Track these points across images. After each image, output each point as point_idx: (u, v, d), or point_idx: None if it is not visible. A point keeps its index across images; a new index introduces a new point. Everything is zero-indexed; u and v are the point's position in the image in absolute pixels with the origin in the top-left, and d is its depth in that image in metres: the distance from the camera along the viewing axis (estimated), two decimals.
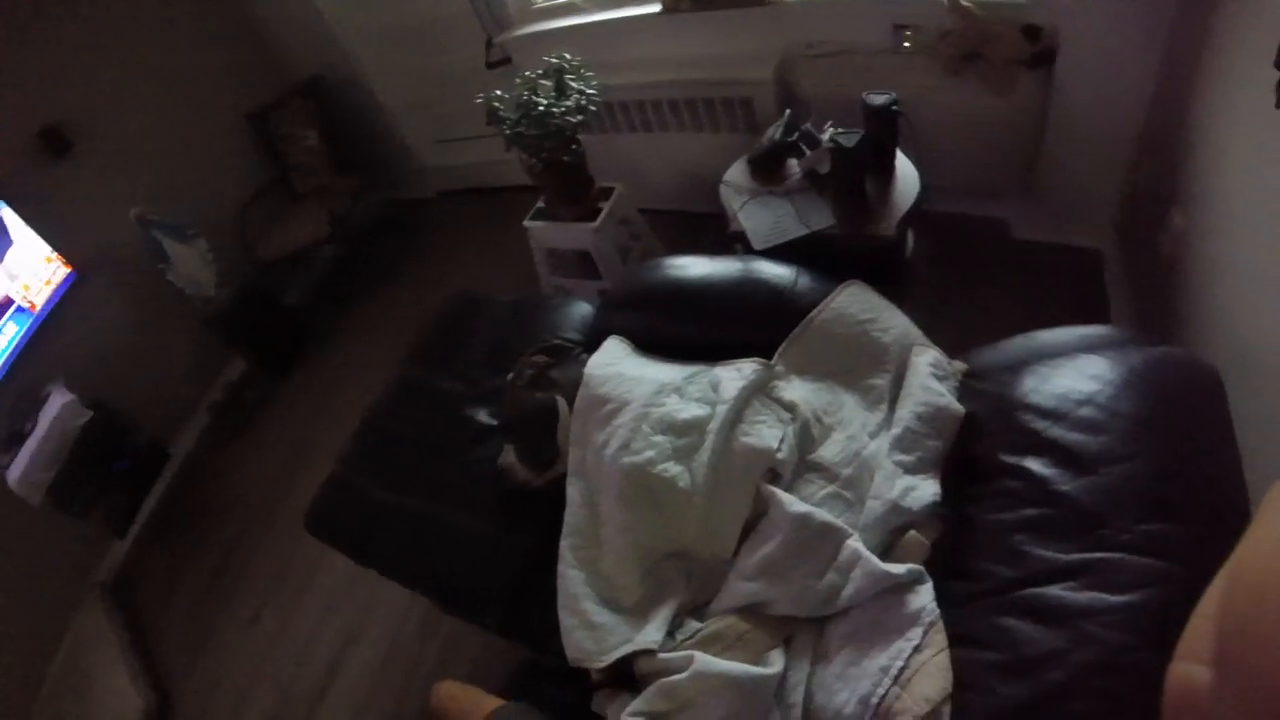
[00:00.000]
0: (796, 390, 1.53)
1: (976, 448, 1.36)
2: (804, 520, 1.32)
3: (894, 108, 1.91)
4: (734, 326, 1.65)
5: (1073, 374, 1.29)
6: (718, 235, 2.05)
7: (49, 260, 2.83)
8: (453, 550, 1.66)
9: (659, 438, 1.46)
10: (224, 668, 2.47)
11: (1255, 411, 1.25)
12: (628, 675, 1.36)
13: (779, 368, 1.56)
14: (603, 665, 1.35)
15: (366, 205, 3.79)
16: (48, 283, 2.84)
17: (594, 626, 1.39)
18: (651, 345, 1.74)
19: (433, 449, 1.85)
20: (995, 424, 1.35)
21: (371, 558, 1.81)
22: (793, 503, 1.35)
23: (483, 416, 1.85)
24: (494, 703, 1.46)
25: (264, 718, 2.29)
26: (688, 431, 1.46)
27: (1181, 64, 1.80)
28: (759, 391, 1.50)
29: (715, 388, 1.52)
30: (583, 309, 1.98)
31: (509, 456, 1.63)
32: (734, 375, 1.52)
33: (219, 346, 3.42)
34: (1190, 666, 0.42)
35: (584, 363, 1.70)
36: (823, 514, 1.33)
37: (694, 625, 1.37)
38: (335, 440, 2.83)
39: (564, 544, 1.50)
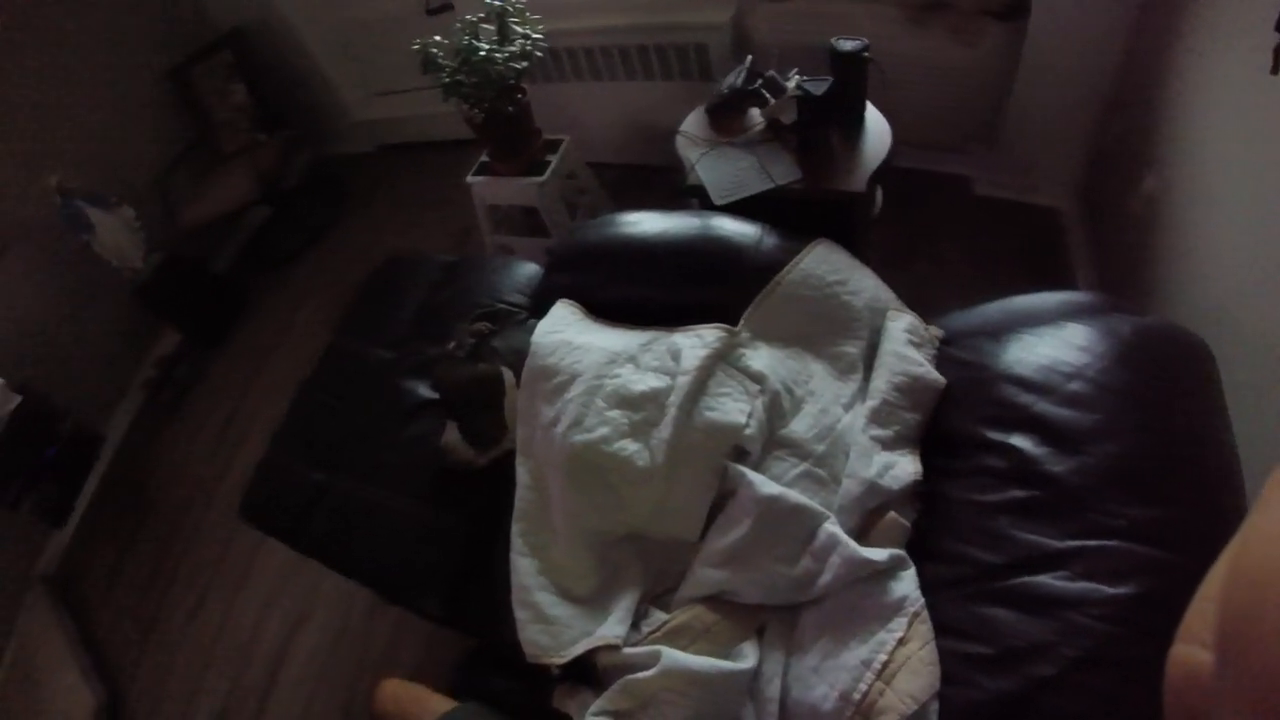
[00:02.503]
0: (763, 359, 1.37)
1: (952, 420, 1.23)
2: (775, 503, 1.19)
3: (865, 54, 1.74)
4: (692, 288, 1.48)
5: (1058, 344, 1.17)
6: (668, 190, 1.87)
7: None
8: (388, 536, 1.49)
9: (613, 413, 1.30)
10: (172, 659, 2.30)
11: (1237, 382, 1.15)
12: (588, 668, 1.23)
13: (744, 334, 1.40)
14: (561, 662, 1.21)
15: (299, 162, 3.50)
16: None
17: (549, 620, 1.25)
18: (600, 309, 1.56)
19: (366, 426, 1.66)
20: (975, 396, 1.22)
21: (308, 546, 1.62)
22: (763, 483, 1.22)
23: (420, 389, 1.65)
24: (441, 703, 1.32)
25: (215, 712, 2.13)
26: (644, 405, 1.30)
27: (1159, 23, 1.70)
28: (722, 360, 1.35)
29: (675, 356, 1.36)
30: (527, 269, 1.79)
31: (451, 434, 1.45)
32: (695, 342, 1.36)
33: (148, 320, 3.14)
34: (1191, 649, 0.40)
35: (530, 329, 1.52)
36: (795, 495, 1.20)
37: (659, 616, 1.24)
38: (272, 413, 2.65)
39: (514, 529, 1.34)
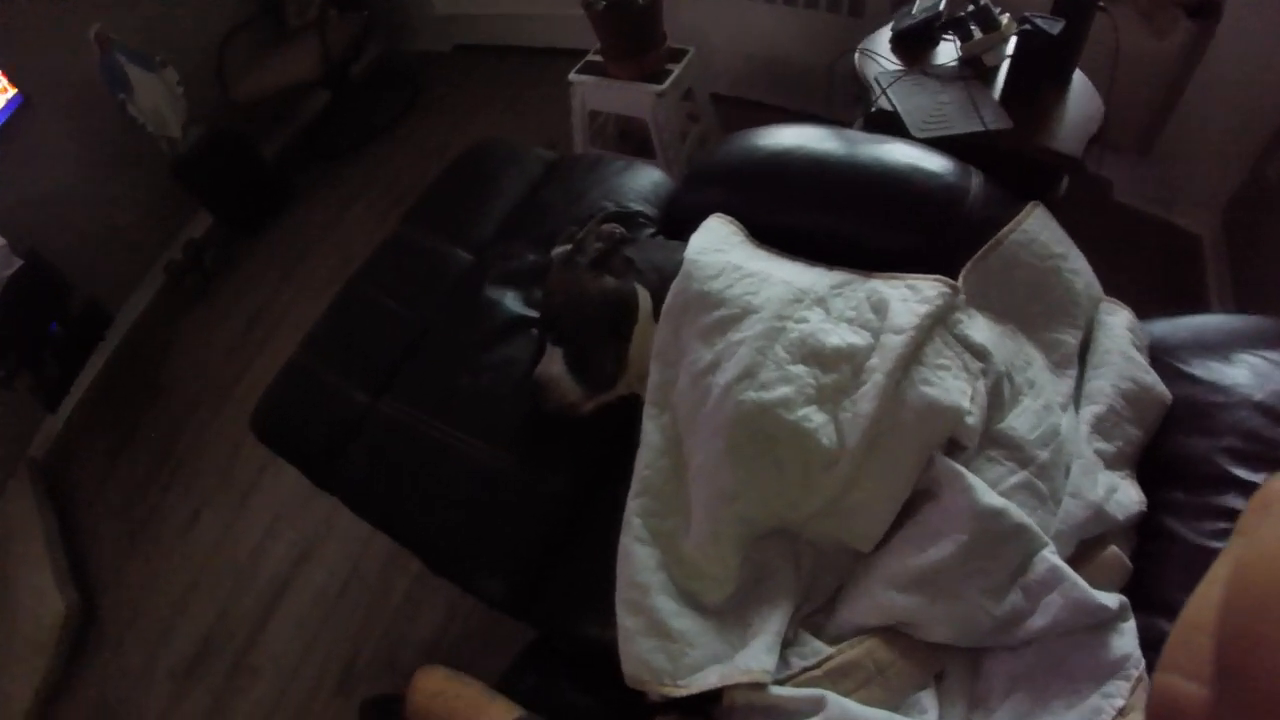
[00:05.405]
0: (983, 331, 1.00)
1: (1179, 444, 1.01)
2: (997, 519, 0.86)
3: (1099, 3, 1.39)
4: (890, 229, 1.10)
5: None
6: None
7: None
8: (450, 490, 1.12)
9: (798, 368, 0.92)
10: (157, 572, 1.98)
11: None
12: (704, 698, 0.89)
13: (962, 296, 1.03)
14: (680, 695, 0.86)
15: (369, 51, 3.10)
16: None
17: (669, 634, 0.89)
18: (761, 237, 1.17)
19: (433, 342, 1.29)
20: (1211, 420, 0.99)
21: (335, 484, 1.25)
22: (984, 491, 0.87)
23: (509, 302, 1.27)
24: (496, 709, 0.99)
25: (198, 638, 1.82)
26: (837, 365, 0.93)
27: None
28: (940, 325, 0.98)
29: (877, 309, 0.98)
30: (654, 176, 1.39)
31: (554, 365, 1.06)
32: (907, 295, 0.98)
33: (181, 197, 2.73)
34: (1176, 679, 0.35)
35: (668, 246, 1.15)
36: (1018, 511, 0.87)
37: (818, 647, 0.89)
38: (305, 315, 2.25)
39: (632, 505, 0.97)
